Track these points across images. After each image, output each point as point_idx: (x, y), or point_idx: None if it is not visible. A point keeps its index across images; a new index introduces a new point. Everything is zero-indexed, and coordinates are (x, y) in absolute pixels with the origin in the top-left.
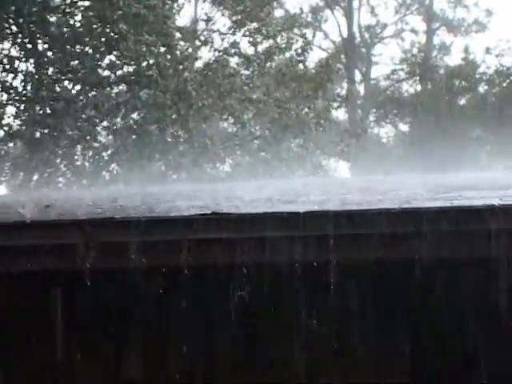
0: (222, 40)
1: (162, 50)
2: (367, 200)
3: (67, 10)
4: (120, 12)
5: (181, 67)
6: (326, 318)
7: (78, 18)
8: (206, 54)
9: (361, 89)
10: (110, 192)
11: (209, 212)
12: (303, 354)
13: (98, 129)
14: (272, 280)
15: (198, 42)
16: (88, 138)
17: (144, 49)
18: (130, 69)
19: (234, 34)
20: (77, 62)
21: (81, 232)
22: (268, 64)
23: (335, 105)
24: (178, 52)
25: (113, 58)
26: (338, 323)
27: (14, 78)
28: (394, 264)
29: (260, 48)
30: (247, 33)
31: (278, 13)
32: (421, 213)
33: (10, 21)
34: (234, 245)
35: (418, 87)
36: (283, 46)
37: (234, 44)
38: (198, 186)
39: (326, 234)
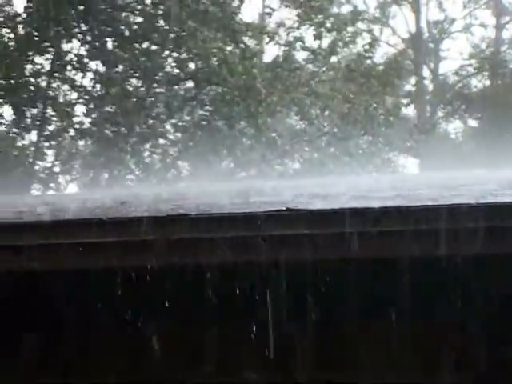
0: (288, 34)
1: (230, 46)
2: (442, 195)
3: (136, 8)
4: (188, 9)
5: (249, 63)
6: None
7: (147, 15)
8: (272, 49)
9: (429, 84)
10: (180, 189)
11: (283, 208)
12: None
13: (167, 126)
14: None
15: (265, 37)
16: (156, 135)
17: (212, 45)
18: (199, 65)
19: (298, 28)
20: (145, 59)
21: (159, 228)
22: (334, 59)
23: (404, 101)
24: (245, 48)
25: (181, 55)
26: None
27: (83, 77)
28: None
29: (325, 42)
30: (312, 26)
31: (346, 8)
32: None
33: (79, 19)
34: (311, 240)
35: (487, 82)
36: (347, 40)
37: (299, 38)
38: (268, 182)
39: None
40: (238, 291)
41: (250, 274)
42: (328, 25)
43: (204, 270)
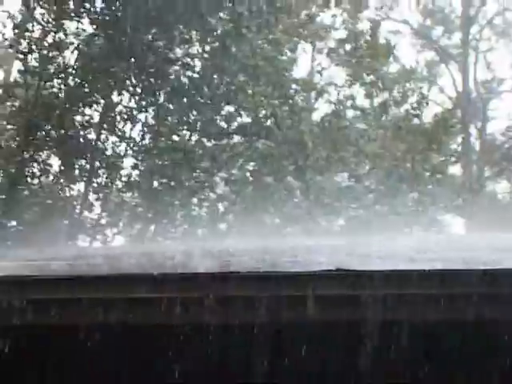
0: (338, 93)
1: (279, 101)
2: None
3: (186, 62)
4: (239, 63)
5: (297, 118)
6: None
7: (197, 69)
8: (321, 106)
9: (476, 144)
10: (227, 245)
11: (333, 268)
12: None
13: (215, 179)
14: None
15: (314, 94)
16: (205, 188)
17: (262, 100)
18: (248, 119)
19: (350, 86)
20: (195, 112)
21: (206, 285)
22: (383, 117)
23: (451, 159)
24: (294, 103)
25: (231, 108)
26: None
27: (131, 129)
28: None
29: (376, 101)
30: (363, 86)
31: (394, 67)
32: None
33: (129, 71)
34: (357, 301)
35: None
36: (399, 99)
37: (350, 96)
38: (315, 240)
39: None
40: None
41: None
42: (379, 84)
43: (252, 328)
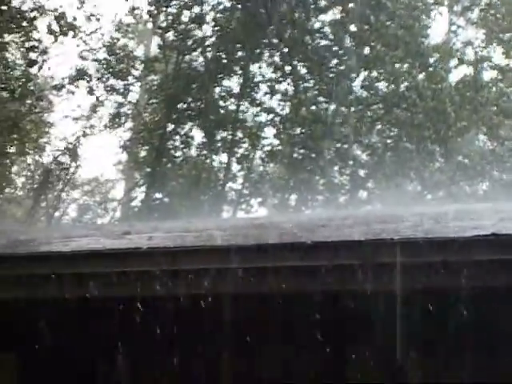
0: (475, 53)
1: (418, 70)
2: None
3: (324, 31)
4: (376, 32)
5: (438, 86)
6: None
7: (335, 38)
8: (459, 69)
9: None
10: (370, 211)
11: (488, 233)
12: None
13: (355, 147)
14: None
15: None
16: (345, 157)
17: (402, 69)
18: (387, 89)
19: (486, 47)
20: (334, 81)
21: (357, 253)
22: None
23: None
24: (434, 72)
25: (369, 77)
26: None
27: (271, 99)
28: None
29: None
30: (500, 45)
31: None
32: None
33: (268, 43)
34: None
35: None
36: None
37: (487, 57)
38: (462, 205)
39: None
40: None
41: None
42: None
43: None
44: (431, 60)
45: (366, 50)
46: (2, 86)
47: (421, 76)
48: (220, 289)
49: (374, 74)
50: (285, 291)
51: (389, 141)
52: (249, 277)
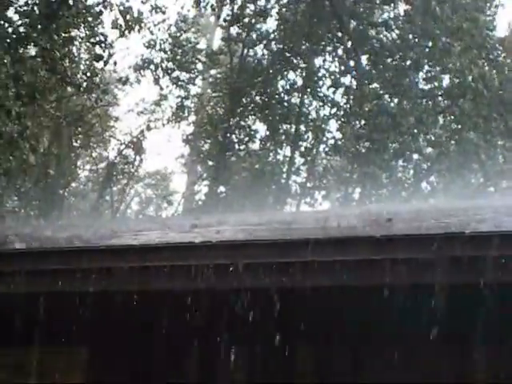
0: None
1: (483, 61)
2: None
3: (388, 24)
4: (442, 25)
5: (504, 77)
6: None
7: (399, 31)
8: None
9: None
10: (435, 205)
11: None
12: None
13: (419, 140)
14: None
15: None
16: (409, 149)
17: (467, 61)
18: (451, 81)
19: None
20: (397, 75)
21: (431, 246)
22: None
23: None
24: (501, 63)
25: (434, 70)
26: None
27: (334, 93)
28: None
29: None
30: None
31: None
32: None
33: (331, 36)
34: None
35: None
36: None
37: None
38: None
39: None
40: None
41: None
42: None
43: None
44: (497, 52)
45: (431, 43)
46: (68, 80)
47: (487, 67)
48: (297, 283)
49: (440, 67)
50: (359, 284)
51: (453, 133)
52: (323, 269)
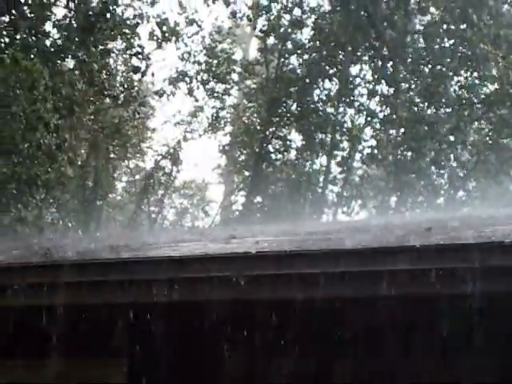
0: None
1: None
2: None
3: (425, 32)
4: (479, 32)
5: None
6: None
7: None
8: None
9: None
10: (475, 213)
11: None
12: None
13: (456, 147)
14: None
15: None
16: (445, 157)
17: (505, 68)
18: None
19: None
20: (434, 82)
21: (464, 256)
22: None
23: None
24: None
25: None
26: None
27: (369, 101)
28: None
29: None
30: None
31: None
32: None
33: (367, 45)
34: None
35: None
36: None
37: None
38: None
39: None
40: None
41: None
42: None
43: None
44: None
45: (467, 50)
46: (106, 92)
47: None
48: (334, 292)
49: (476, 73)
50: (397, 294)
51: (490, 140)
52: (360, 280)
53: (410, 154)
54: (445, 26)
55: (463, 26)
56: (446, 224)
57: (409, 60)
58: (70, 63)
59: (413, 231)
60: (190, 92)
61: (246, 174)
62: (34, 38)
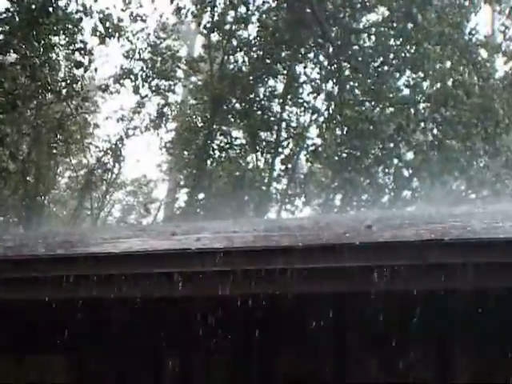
0: None
1: (465, 66)
2: None
3: (369, 30)
4: (424, 31)
5: (485, 84)
6: None
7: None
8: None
9: None
10: (419, 212)
11: None
12: None
13: (400, 146)
14: None
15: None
16: (390, 156)
17: (448, 67)
18: (432, 88)
19: None
20: (378, 81)
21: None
22: None
23: None
24: (482, 69)
25: (415, 76)
26: None
27: (315, 98)
28: None
29: None
30: None
31: None
32: None
33: (312, 43)
34: None
35: None
36: None
37: None
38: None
39: None
40: None
41: None
42: None
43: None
44: (478, 58)
45: (412, 49)
46: (48, 87)
47: (467, 73)
48: (286, 288)
49: (420, 73)
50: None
51: (434, 139)
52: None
53: (354, 152)
54: (390, 25)
55: (410, 26)
56: (388, 222)
57: (354, 58)
58: (12, 57)
59: (354, 229)
60: (136, 90)
61: (190, 170)
62: None
